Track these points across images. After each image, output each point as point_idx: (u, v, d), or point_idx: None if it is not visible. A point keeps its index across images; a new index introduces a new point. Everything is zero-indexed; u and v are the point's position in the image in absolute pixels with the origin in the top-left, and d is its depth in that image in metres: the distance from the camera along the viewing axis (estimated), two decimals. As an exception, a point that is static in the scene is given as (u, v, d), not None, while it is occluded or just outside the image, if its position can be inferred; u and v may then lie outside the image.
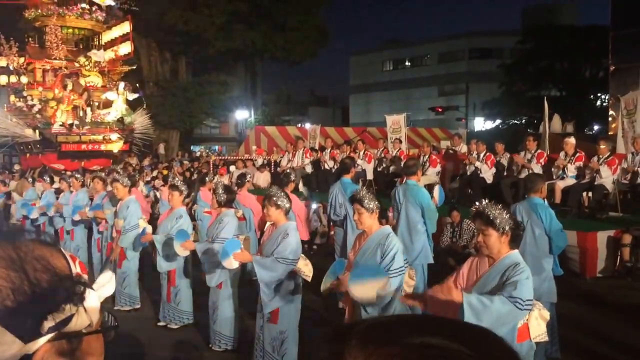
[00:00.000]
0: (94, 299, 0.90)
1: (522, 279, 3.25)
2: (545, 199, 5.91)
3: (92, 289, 0.91)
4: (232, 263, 5.12)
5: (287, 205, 5.01)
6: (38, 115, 14.19)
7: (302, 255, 4.92)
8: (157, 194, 13.18)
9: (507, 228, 3.37)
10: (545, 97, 14.76)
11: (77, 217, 9.40)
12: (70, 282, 0.88)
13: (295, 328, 5.01)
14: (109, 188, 8.84)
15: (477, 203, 3.58)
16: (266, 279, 4.79)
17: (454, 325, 0.75)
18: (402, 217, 6.74)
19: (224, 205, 6.03)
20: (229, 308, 5.91)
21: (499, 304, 3.18)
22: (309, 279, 4.90)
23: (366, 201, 4.37)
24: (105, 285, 0.97)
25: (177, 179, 11.84)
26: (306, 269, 4.82)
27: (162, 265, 6.55)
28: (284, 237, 4.83)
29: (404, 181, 7.16)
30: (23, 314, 0.81)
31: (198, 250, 5.86)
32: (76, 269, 0.95)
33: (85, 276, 0.95)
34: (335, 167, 14.40)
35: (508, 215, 3.42)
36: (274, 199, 4.95)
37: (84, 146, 14.42)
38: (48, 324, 0.82)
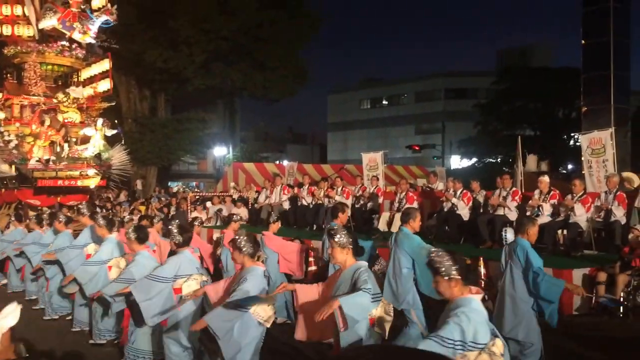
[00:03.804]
0: None
1: (454, 321, 3.38)
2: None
3: None
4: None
5: (251, 250, 5.04)
6: (15, 151, 14.03)
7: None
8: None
9: (453, 275, 3.53)
10: (519, 137, 14.99)
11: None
12: None
13: None
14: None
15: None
16: (217, 320, 4.69)
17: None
18: (390, 262, 6.75)
19: (182, 245, 5.90)
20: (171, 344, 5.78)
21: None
22: (268, 325, 4.83)
23: (337, 236, 4.52)
24: (7, 316, 0.95)
25: (156, 214, 11.75)
26: (264, 313, 4.73)
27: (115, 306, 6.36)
28: (243, 281, 4.82)
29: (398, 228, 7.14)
30: None
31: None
32: None
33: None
34: (313, 203, 14.46)
35: (452, 260, 3.59)
36: (237, 243, 5.07)
37: (60, 182, 14.29)
38: None
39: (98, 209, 14.21)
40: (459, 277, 3.53)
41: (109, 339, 7.56)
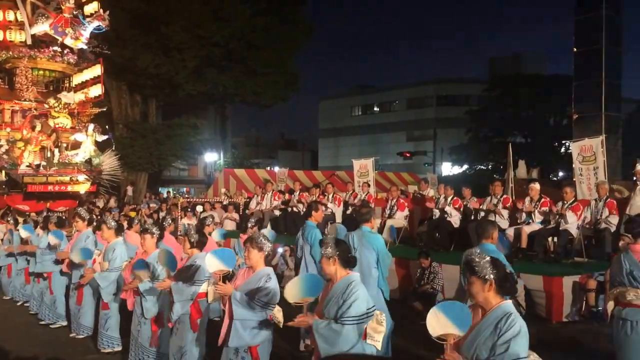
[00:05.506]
0: None
1: (514, 335, 3.17)
2: (497, 245, 5.87)
3: None
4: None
5: (269, 249, 4.93)
6: (5, 156, 13.97)
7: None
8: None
9: (489, 276, 3.25)
10: (510, 144, 15.02)
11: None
12: None
13: None
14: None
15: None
16: (244, 316, 4.65)
17: None
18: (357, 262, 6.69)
19: (196, 246, 5.95)
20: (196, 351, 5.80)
21: None
22: (281, 326, 4.81)
23: (323, 247, 4.36)
24: None
25: (145, 220, 11.67)
26: (279, 315, 4.69)
27: (151, 310, 6.34)
28: (267, 280, 4.71)
29: (358, 227, 6.96)
30: None
31: (174, 289, 5.70)
32: None
33: None
34: (304, 209, 14.45)
35: (491, 263, 3.30)
36: (257, 241, 4.83)
37: (50, 187, 14.22)
38: None
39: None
40: (496, 281, 3.27)
41: (114, 350, 7.48)
